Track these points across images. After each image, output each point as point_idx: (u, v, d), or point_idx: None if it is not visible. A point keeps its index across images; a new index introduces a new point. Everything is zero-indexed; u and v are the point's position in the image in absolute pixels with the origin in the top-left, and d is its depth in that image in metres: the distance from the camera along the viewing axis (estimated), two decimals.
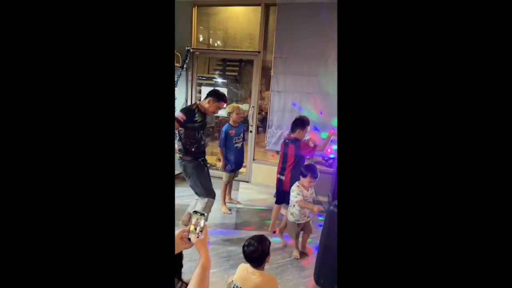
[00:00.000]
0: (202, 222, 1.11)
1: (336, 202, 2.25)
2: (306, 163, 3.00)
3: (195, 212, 1.13)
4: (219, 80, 5.30)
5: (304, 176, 2.68)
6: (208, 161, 3.14)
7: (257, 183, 4.62)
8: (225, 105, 2.95)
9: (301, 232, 2.86)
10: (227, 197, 3.90)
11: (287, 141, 3.04)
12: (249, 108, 4.60)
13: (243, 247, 1.76)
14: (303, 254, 2.84)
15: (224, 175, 3.69)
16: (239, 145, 3.63)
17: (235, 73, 5.48)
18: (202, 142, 2.95)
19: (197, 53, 4.66)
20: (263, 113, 4.88)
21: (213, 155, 5.13)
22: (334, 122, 3.46)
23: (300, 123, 2.98)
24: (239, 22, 4.76)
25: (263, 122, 4.93)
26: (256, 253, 1.72)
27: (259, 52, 4.37)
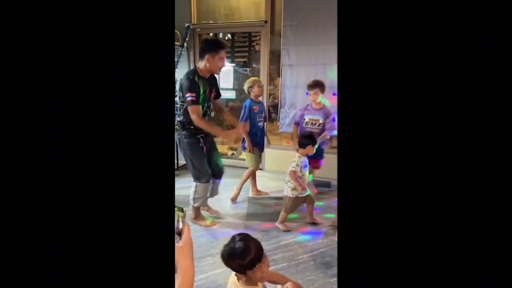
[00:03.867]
0: (180, 223, 0.79)
1: None
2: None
3: (175, 207, 0.79)
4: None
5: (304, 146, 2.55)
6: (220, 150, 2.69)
7: (271, 170, 4.13)
8: (224, 53, 2.37)
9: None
10: (253, 189, 3.40)
11: None
12: None
13: (225, 246, 1.30)
14: (313, 224, 2.71)
15: (249, 158, 3.14)
16: (261, 124, 3.17)
17: (245, 49, 4.97)
18: (206, 118, 2.47)
19: (198, 29, 4.21)
20: (275, 100, 4.40)
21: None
22: None
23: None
24: None
25: (274, 109, 4.47)
26: (250, 253, 1.22)
27: (266, 22, 3.88)
